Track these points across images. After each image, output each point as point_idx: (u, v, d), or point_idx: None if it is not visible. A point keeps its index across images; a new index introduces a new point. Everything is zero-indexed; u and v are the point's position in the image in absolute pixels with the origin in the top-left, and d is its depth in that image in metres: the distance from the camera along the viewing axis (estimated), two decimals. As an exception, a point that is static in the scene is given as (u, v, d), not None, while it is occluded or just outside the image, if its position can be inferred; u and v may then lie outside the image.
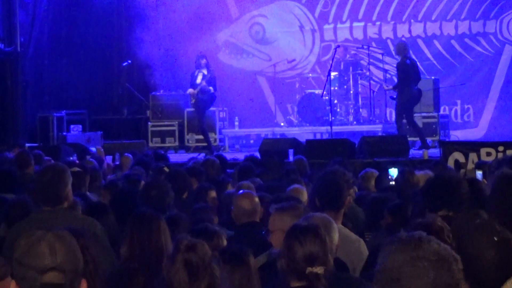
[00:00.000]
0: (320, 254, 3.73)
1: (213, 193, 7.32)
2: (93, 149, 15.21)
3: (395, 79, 16.24)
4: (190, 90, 16.18)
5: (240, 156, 13.81)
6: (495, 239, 3.18)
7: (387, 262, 2.25)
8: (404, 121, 14.98)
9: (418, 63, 15.25)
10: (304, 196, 6.56)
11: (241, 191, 6.27)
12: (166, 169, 8.65)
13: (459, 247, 3.15)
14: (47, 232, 2.61)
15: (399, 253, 2.23)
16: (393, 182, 8.27)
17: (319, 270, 3.69)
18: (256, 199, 5.90)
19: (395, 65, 18.05)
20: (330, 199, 5.39)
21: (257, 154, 13.19)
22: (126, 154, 12.29)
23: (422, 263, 2.20)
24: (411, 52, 15.39)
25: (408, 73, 14.56)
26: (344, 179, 5.75)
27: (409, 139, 14.60)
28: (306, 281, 3.69)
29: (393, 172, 8.59)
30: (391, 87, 15.43)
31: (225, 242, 4.49)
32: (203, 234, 4.42)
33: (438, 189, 4.92)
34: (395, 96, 15.02)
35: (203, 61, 16.21)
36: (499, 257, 3.15)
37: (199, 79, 16.12)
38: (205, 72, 16.16)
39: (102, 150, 15.51)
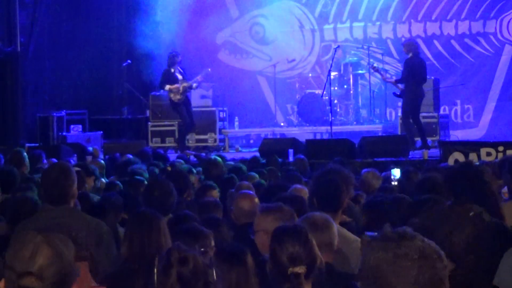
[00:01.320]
0: (303, 255, 3.70)
1: (214, 193, 7.30)
2: (90, 149, 15.23)
3: (386, 74, 16.23)
4: (174, 89, 16.14)
5: (239, 156, 13.81)
6: (470, 214, 3.20)
7: (370, 259, 2.22)
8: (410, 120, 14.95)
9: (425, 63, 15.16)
10: (306, 196, 6.55)
11: (240, 191, 6.28)
12: (169, 168, 8.64)
13: (433, 231, 3.16)
14: (36, 235, 2.58)
15: (381, 251, 2.20)
16: (396, 183, 8.25)
17: (299, 269, 3.66)
18: (256, 200, 5.90)
19: (395, 65, 18.08)
20: (327, 199, 5.37)
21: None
22: (127, 155, 12.28)
23: (403, 262, 2.17)
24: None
25: (416, 72, 14.51)
26: (343, 179, 5.71)
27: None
28: (289, 282, 3.68)
29: (396, 172, 8.56)
30: (393, 79, 15.28)
31: (213, 242, 4.45)
32: (189, 234, 4.43)
33: (464, 181, 4.85)
34: (398, 94, 14.92)
35: (178, 59, 16.27)
36: (475, 233, 3.17)
37: (180, 76, 16.17)
38: (180, 69, 16.27)
39: (98, 150, 15.53)
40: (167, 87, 16.15)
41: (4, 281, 2.57)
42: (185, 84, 16.08)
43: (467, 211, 3.33)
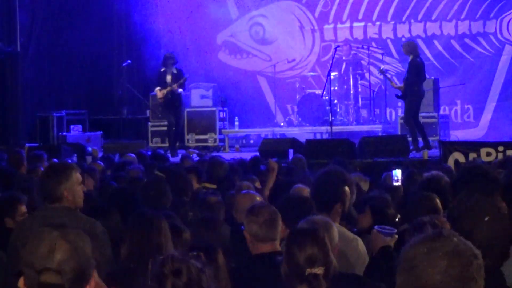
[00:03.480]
0: (320, 256, 3.75)
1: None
2: (89, 149, 15.22)
3: (395, 79, 16.18)
4: (158, 92, 16.09)
5: (239, 156, 13.79)
6: (487, 217, 3.40)
7: (407, 252, 2.44)
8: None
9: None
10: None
11: (242, 191, 6.32)
12: (158, 173, 8.56)
13: (455, 225, 3.37)
14: (52, 231, 2.61)
15: (419, 245, 2.42)
16: (399, 183, 8.22)
17: (318, 270, 3.71)
18: (258, 198, 5.93)
19: (395, 65, 18.06)
20: (324, 199, 5.36)
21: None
22: (129, 154, 12.26)
23: (436, 253, 2.37)
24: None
25: (419, 73, 14.46)
26: (341, 179, 5.70)
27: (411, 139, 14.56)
28: (307, 283, 3.71)
29: (397, 173, 8.53)
30: (402, 85, 15.02)
31: (188, 237, 4.66)
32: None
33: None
34: (400, 95, 14.79)
35: (171, 61, 16.10)
36: (494, 230, 3.37)
37: (168, 79, 16.04)
38: (174, 71, 16.05)
39: (98, 150, 15.52)
40: (156, 89, 16.20)
41: (23, 279, 2.59)
42: (168, 88, 16.00)
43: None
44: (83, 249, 2.61)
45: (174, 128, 16.13)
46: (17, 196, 6.08)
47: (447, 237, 2.41)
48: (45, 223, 4.53)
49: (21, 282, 2.60)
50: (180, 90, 16.03)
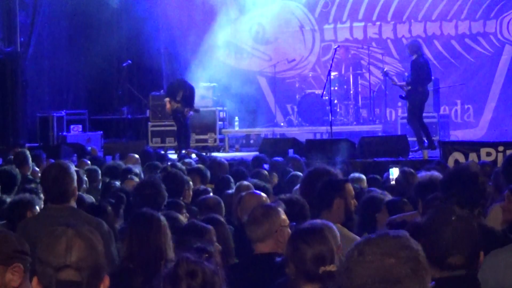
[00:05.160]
0: (328, 254, 3.72)
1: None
2: (88, 148, 15.23)
3: (395, 79, 16.16)
4: (168, 104, 16.12)
5: (240, 156, 13.80)
6: (453, 218, 3.45)
7: (348, 251, 2.49)
8: None
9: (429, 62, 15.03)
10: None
11: (250, 191, 6.35)
12: (169, 168, 8.63)
13: (426, 233, 3.44)
14: (67, 229, 2.63)
15: (357, 245, 2.45)
16: (394, 182, 8.24)
17: (332, 268, 3.66)
18: (264, 199, 5.93)
19: (395, 65, 18.06)
20: (322, 193, 5.34)
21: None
22: (130, 154, 12.25)
23: (364, 257, 2.39)
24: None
25: (422, 72, 14.41)
26: (337, 175, 5.70)
27: (411, 139, 14.53)
28: (319, 281, 3.66)
29: (394, 172, 8.54)
30: (404, 83, 14.96)
31: (215, 238, 4.63)
32: (192, 231, 4.54)
33: (454, 185, 4.87)
34: (404, 96, 14.67)
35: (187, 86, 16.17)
36: (456, 234, 3.42)
37: (179, 96, 16.08)
38: (187, 93, 16.17)
39: (97, 150, 15.52)
40: (166, 99, 16.25)
41: (36, 278, 2.61)
42: (179, 106, 16.04)
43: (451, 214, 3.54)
44: (97, 246, 2.65)
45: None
46: (31, 199, 6.06)
47: (382, 239, 2.42)
48: (51, 223, 4.55)
49: (35, 281, 2.61)
50: (191, 112, 16.19)
